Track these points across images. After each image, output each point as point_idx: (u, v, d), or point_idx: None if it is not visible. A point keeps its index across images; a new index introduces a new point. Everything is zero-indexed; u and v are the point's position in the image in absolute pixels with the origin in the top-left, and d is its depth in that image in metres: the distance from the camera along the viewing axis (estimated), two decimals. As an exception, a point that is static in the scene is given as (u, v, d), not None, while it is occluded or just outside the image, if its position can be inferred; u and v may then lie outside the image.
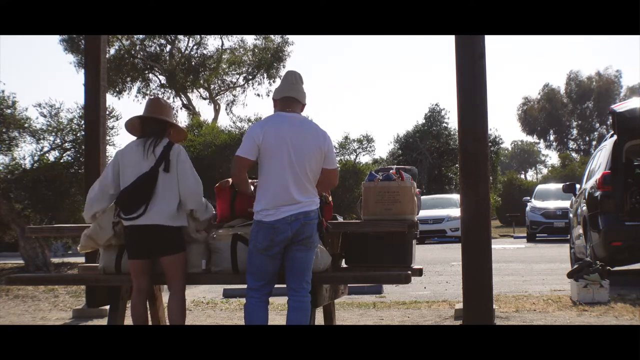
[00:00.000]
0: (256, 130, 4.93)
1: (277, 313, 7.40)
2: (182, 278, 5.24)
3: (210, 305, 8.85)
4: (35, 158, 14.21)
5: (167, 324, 6.21)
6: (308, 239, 4.91)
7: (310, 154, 4.93)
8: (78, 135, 13.75)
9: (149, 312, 5.56)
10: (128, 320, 5.77)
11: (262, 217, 4.88)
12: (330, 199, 5.52)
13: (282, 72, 35.48)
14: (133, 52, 33.53)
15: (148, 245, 5.16)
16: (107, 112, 12.17)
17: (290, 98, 5.08)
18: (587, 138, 57.97)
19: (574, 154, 52.85)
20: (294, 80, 5.14)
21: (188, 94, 35.54)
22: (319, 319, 5.79)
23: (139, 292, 5.27)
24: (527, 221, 22.15)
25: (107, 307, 5.84)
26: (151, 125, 5.31)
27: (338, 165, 5.18)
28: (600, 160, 10.31)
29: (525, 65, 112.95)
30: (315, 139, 4.98)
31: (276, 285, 5.10)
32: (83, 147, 11.28)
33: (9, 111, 13.65)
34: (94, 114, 8.45)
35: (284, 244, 4.88)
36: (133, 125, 5.41)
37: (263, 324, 4.96)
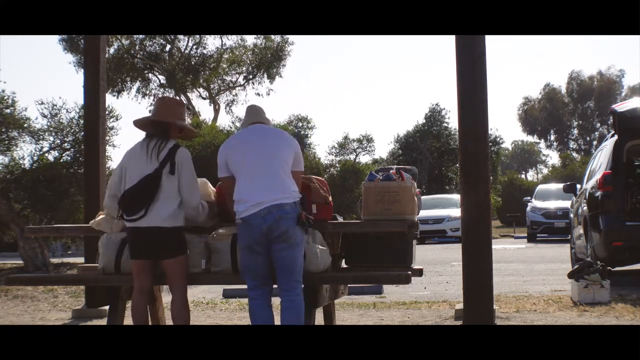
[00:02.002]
0: (221, 148, 5.20)
1: (276, 313, 7.38)
2: (182, 280, 5.21)
3: (210, 305, 8.84)
4: (35, 158, 14.20)
5: (167, 324, 6.20)
6: (285, 235, 4.90)
7: (275, 149, 5.04)
8: (77, 135, 13.74)
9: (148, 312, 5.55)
10: (127, 321, 5.76)
11: (238, 215, 4.97)
12: (330, 199, 5.52)
13: (282, 72, 35.69)
14: (133, 52, 33.54)
15: (148, 246, 5.15)
16: (107, 112, 12.16)
17: (255, 123, 5.23)
18: (588, 138, 57.98)
19: (574, 154, 52.85)
20: (255, 111, 5.29)
21: (188, 93, 35.54)
22: (319, 319, 5.78)
23: (140, 292, 5.25)
24: (528, 221, 22.14)
25: (107, 307, 5.83)
26: (156, 127, 5.32)
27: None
28: (601, 160, 10.30)
29: (525, 65, 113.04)
30: (281, 138, 5.14)
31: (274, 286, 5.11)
32: (82, 147, 11.27)
33: (8, 111, 13.64)
34: (94, 113, 8.44)
35: (263, 239, 4.90)
36: (142, 123, 5.47)
37: (266, 323, 4.95)
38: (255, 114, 5.26)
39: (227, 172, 5.11)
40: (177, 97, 34.65)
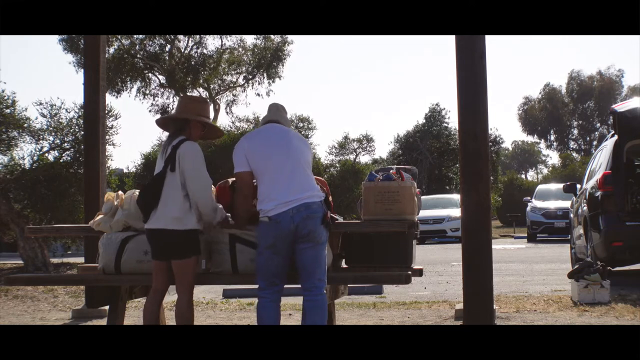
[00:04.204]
0: (241, 143, 5.08)
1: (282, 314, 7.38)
2: (189, 282, 5.13)
3: (210, 305, 8.83)
4: (35, 158, 14.20)
5: (167, 323, 6.19)
6: (312, 234, 4.88)
7: (300, 149, 5.04)
8: (77, 135, 13.74)
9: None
10: (127, 321, 5.76)
11: (264, 213, 4.89)
12: (330, 198, 5.51)
13: (282, 72, 35.75)
14: (133, 52, 33.53)
15: (158, 247, 5.08)
16: (107, 112, 12.16)
17: (273, 121, 5.17)
18: (588, 138, 57.95)
19: (574, 154, 52.84)
20: (276, 109, 5.24)
21: (188, 93, 35.55)
22: (319, 320, 5.77)
23: (154, 291, 5.21)
24: (528, 221, 22.13)
25: (107, 307, 5.83)
26: (174, 124, 5.24)
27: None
28: (601, 160, 10.30)
29: (525, 65, 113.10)
30: (301, 139, 5.15)
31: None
32: (82, 146, 11.27)
33: (8, 111, 13.64)
34: (94, 113, 8.43)
35: (289, 239, 4.86)
36: (163, 122, 5.42)
37: (274, 320, 4.93)
38: (275, 112, 5.22)
39: (247, 166, 5.00)
40: (173, 98, 34.87)
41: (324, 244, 5.01)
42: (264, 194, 4.94)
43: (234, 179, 5.58)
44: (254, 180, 5.08)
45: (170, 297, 5.82)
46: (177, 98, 34.78)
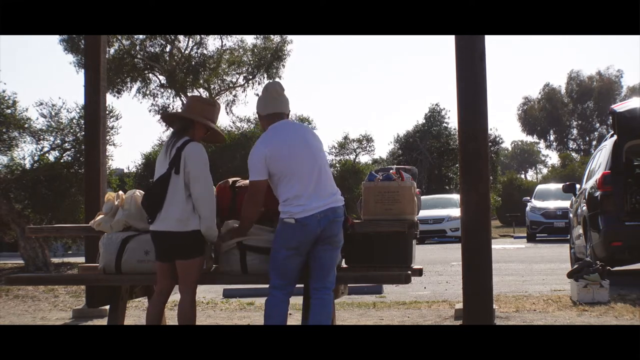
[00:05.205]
0: (259, 150, 4.89)
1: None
2: (193, 282, 5.11)
3: (210, 305, 8.84)
4: (35, 158, 14.22)
5: (168, 323, 6.20)
6: (334, 237, 4.90)
7: (318, 148, 4.99)
8: (78, 135, 13.75)
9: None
10: (128, 320, 5.77)
11: (291, 215, 4.82)
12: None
13: (282, 72, 35.77)
14: (133, 52, 33.53)
15: (162, 249, 5.06)
16: (107, 112, 12.17)
17: (276, 114, 5.03)
18: (588, 138, 58.00)
19: (574, 154, 52.88)
20: (275, 93, 5.06)
21: (188, 94, 35.56)
22: (319, 319, 5.77)
23: (158, 293, 5.20)
24: (527, 221, 22.15)
25: (107, 307, 5.83)
26: (179, 123, 5.18)
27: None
28: (600, 160, 10.31)
29: (525, 65, 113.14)
30: (316, 138, 5.06)
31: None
32: (83, 147, 11.28)
33: (9, 111, 13.65)
34: (94, 114, 8.44)
35: (313, 241, 4.85)
36: (167, 118, 5.41)
37: (282, 319, 4.91)
38: (278, 101, 5.02)
39: (264, 175, 4.86)
40: (173, 98, 34.84)
41: (340, 247, 5.03)
42: (290, 197, 4.84)
43: (234, 178, 5.58)
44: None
45: (171, 297, 5.82)
46: (177, 98, 34.86)
